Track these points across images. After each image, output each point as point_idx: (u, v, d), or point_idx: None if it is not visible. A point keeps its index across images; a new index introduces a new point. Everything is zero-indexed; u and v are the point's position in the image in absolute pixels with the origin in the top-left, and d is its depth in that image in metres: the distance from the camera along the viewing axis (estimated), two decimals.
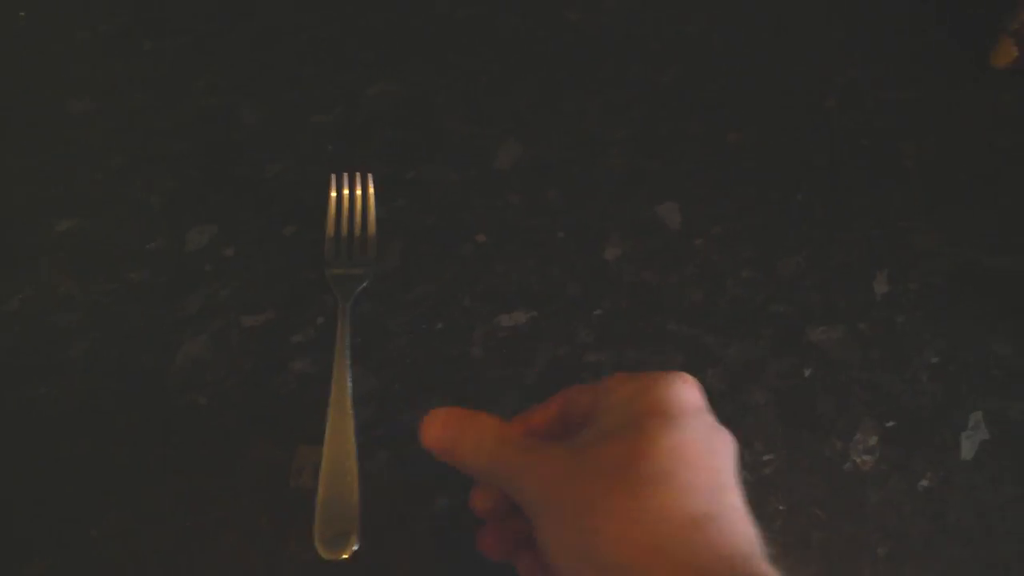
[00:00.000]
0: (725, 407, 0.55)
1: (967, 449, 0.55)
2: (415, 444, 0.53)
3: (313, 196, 0.62)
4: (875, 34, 0.75)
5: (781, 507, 0.52)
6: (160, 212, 0.62)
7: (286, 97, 0.68)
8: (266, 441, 0.53)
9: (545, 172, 0.65)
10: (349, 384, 0.53)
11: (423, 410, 0.53)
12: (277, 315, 0.58)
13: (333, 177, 0.61)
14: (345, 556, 0.49)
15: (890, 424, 0.55)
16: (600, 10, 0.75)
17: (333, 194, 0.61)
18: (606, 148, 0.66)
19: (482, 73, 0.70)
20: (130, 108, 0.68)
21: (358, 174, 0.61)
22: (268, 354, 0.57)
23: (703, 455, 0.37)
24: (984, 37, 0.72)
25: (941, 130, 0.69)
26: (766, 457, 0.54)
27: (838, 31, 0.75)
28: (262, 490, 0.52)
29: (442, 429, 0.43)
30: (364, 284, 0.58)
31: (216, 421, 0.54)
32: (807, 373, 0.57)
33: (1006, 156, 0.68)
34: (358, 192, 0.61)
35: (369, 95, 0.69)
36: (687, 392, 0.40)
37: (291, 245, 0.61)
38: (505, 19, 0.74)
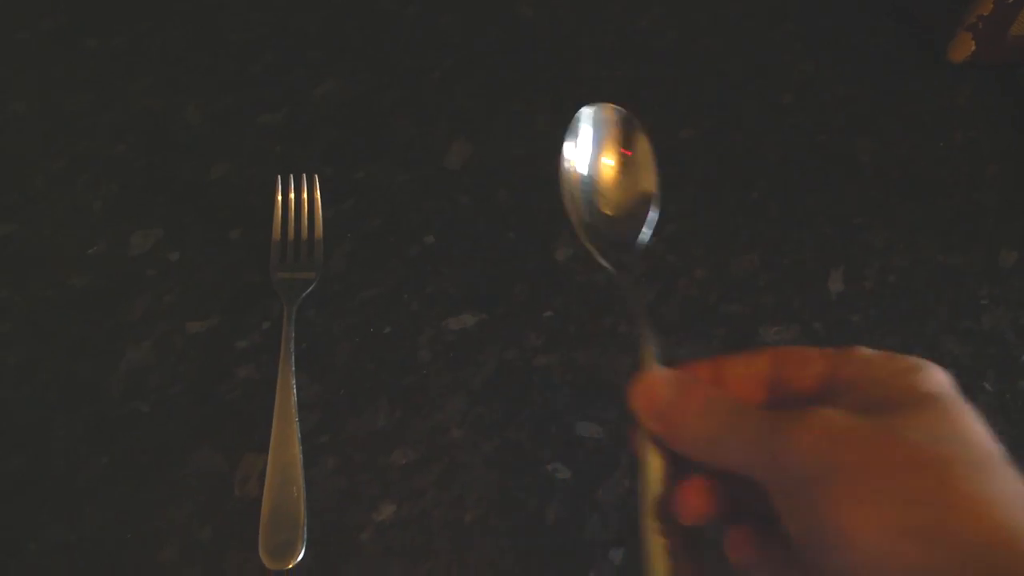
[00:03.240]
0: None
1: None
2: (361, 450, 0.52)
3: (259, 198, 0.61)
4: (831, 29, 0.75)
5: None
6: (103, 216, 0.61)
7: (231, 97, 0.67)
8: (210, 449, 0.52)
9: (495, 172, 0.64)
10: (294, 391, 0.52)
11: (368, 416, 0.53)
12: (222, 321, 0.57)
13: (279, 179, 0.60)
14: (290, 566, 0.48)
15: None
16: (553, 5, 0.74)
17: (279, 198, 0.60)
18: (557, 146, 0.65)
19: (431, 71, 0.69)
20: (72, 109, 0.66)
21: (304, 176, 0.60)
22: (213, 360, 0.56)
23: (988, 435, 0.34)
24: (942, 31, 0.72)
25: (897, 126, 0.69)
26: None
27: (794, 26, 0.74)
28: (206, 499, 0.51)
29: (659, 390, 0.38)
30: (310, 288, 0.57)
31: (159, 429, 0.53)
32: None
33: (962, 152, 0.68)
34: (304, 196, 0.60)
35: (316, 95, 0.67)
36: (947, 376, 0.36)
37: (237, 249, 0.60)
38: (454, 16, 0.73)
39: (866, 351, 0.37)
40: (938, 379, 0.35)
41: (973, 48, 0.71)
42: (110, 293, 0.58)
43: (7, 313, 0.57)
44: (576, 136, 0.45)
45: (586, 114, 0.46)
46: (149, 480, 0.51)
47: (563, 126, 0.63)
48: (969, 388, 0.55)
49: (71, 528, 0.50)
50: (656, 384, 0.38)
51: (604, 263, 0.44)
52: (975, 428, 0.33)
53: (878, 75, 0.72)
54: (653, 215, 0.44)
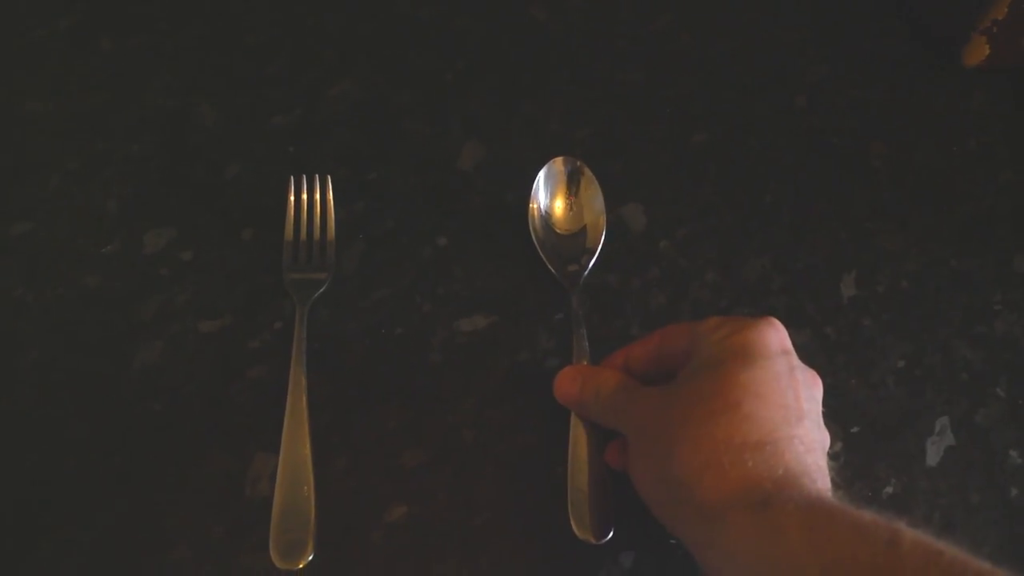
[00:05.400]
0: None
1: (932, 455, 0.54)
2: (372, 451, 0.52)
3: (272, 198, 0.61)
4: (845, 32, 0.74)
5: None
6: (116, 215, 0.61)
7: (245, 98, 0.67)
8: (222, 449, 0.53)
9: (507, 174, 0.64)
10: (305, 391, 0.53)
11: (380, 417, 0.53)
12: (234, 320, 0.57)
13: (292, 180, 0.60)
14: (300, 565, 0.48)
15: (855, 430, 0.55)
16: (566, 8, 0.74)
17: (292, 198, 0.60)
18: (570, 149, 0.65)
19: (444, 73, 0.69)
20: (87, 109, 0.66)
21: (317, 177, 0.60)
22: (225, 360, 0.56)
23: (774, 391, 0.42)
24: (956, 35, 0.72)
25: (910, 130, 0.69)
26: None
27: (807, 29, 0.74)
28: (217, 498, 0.51)
29: (570, 384, 0.51)
30: (322, 289, 0.57)
31: (171, 428, 0.53)
32: None
33: (976, 157, 0.67)
34: (317, 196, 0.60)
35: (329, 96, 0.68)
36: (772, 335, 0.45)
37: (249, 249, 0.60)
38: (467, 18, 0.73)
39: (718, 319, 0.46)
40: (752, 339, 0.44)
41: (988, 52, 0.71)
42: (123, 292, 0.58)
43: (21, 312, 0.57)
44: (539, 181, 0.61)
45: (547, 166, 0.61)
46: (161, 479, 0.52)
47: (576, 128, 0.64)
48: (982, 394, 0.56)
49: (83, 527, 0.50)
50: (566, 380, 0.52)
51: (552, 271, 0.59)
52: (740, 382, 0.42)
53: (892, 79, 0.72)
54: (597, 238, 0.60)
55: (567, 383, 0.52)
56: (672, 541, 0.50)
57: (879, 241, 0.63)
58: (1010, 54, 0.70)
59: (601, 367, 0.52)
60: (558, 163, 0.61)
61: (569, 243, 0.60)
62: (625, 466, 0.48)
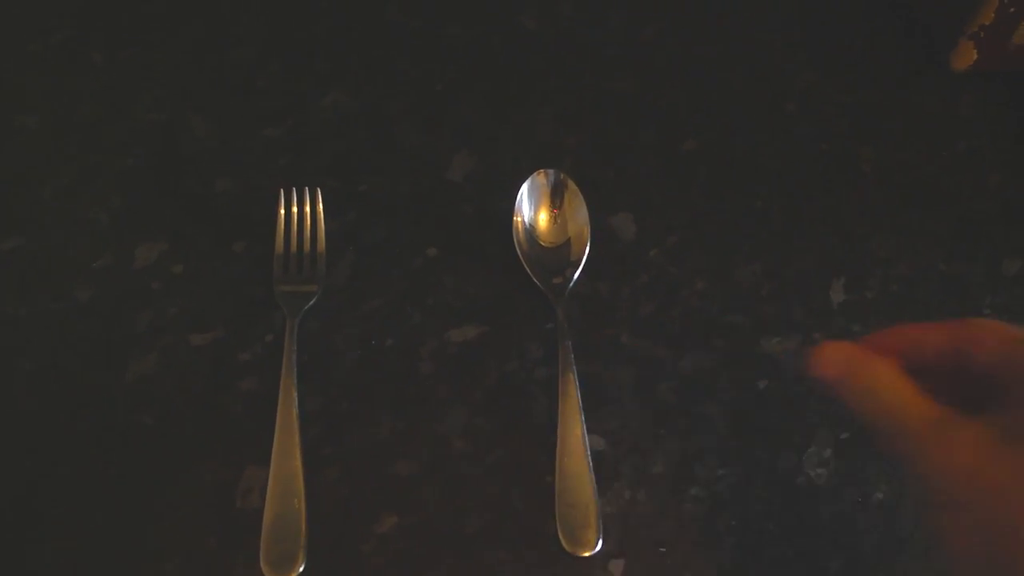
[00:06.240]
0: (677, 420, 0.55)
1: None
2: (362, 462, 0.53)
3: (263, 210, 0.61)
4: (833, 37, 0.74)
5: (734, 522, 0.52)
6: (108, 229, 0.62)
7: (236, 110, 0.67)
8: (213, 461, 0.53)
9: (497, 183, 0.64)
10: (296, 402, 0.53)
11: (370, 427, 0.53)
12: (225, 333, 0.57)
13: (281, 192, 0.60)
14: None
15: (844, 436, 0.55)
16: (557, 16, 0.74)
17: (281, 211, 0.60)
18: (559, 158, 0.65)
19: (434, 83, 0.70)
20: (78, 122, 0.67)
21: (307, 189, 0.61)
22: (216, 373, 0.56)
23: None
24: (944, 40, 0.72)
25: (899, 134, 0.69)
26: (719, 472, 0.53)
27: (796, 35, 0.74)
28: (208, 511, 0.51)
29: (831, 369, 0.41)
30: (312, 301, 0.57)
31: (163, 441, 0.53)
32: (761, 385, 0.56)
33: (965, 161, 0.67)
34: (307, 208, 0.60)
35: (320, 107, 0.68)
36: None
37: (240, 261, 0.60)
38: (457, 28, 0.73)
39: None
40: None
41: (975, 57, 0.71)
42: (115, 306, 0.58)
43: (14, 325, 0.57)
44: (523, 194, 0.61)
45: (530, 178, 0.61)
46: (152, 491, 0.52)
47: (566, 136, 0.64)
48: None
49: (74, 537, 0.50)
50: (828, 364, 0.41)
51: (538, 283, 0.59)
52: None
53: (880, 84, 0.72)
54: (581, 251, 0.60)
55: (829, 368, 0.41)
56: (662, 549, 0.50)
57: (869, 246, 0.63)
58: (998, 58, 0.70)
59: (874, 356, 0.41)
60: (541, 175, 0.61)
61: (554, 256, 0.60)
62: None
